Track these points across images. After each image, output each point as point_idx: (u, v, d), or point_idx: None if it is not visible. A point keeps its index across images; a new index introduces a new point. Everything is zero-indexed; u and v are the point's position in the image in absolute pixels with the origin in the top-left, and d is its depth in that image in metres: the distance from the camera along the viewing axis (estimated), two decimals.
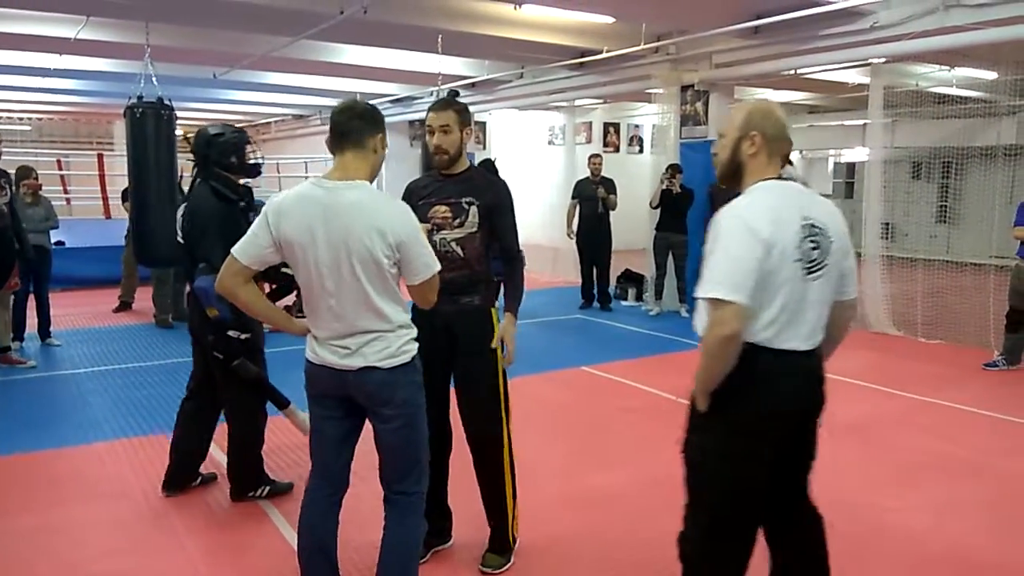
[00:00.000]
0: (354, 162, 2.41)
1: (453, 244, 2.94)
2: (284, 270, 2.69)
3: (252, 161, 3.71)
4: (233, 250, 2.41)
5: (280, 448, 4.32)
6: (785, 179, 2.21)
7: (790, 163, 2.29)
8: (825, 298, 2.17)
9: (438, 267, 2.44)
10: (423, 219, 2.82)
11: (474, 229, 2.95)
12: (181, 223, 3.58)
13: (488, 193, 2.98)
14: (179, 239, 3.62)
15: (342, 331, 2.38)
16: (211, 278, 3.23)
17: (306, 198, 2.36)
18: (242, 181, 3.68)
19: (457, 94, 3.13)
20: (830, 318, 2.23)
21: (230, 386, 3.65)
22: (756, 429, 2.12)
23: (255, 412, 3.72)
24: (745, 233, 2.04)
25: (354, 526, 3.45)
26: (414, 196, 3.02)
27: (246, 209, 3.62)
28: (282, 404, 3.78)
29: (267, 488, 3.73)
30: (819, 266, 2.12)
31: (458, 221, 2.94)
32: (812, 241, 2.11)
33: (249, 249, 2.40)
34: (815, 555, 2.34)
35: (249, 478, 3.72)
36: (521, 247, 3.09)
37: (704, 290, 2.05)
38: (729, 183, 2.29)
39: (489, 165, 7.57)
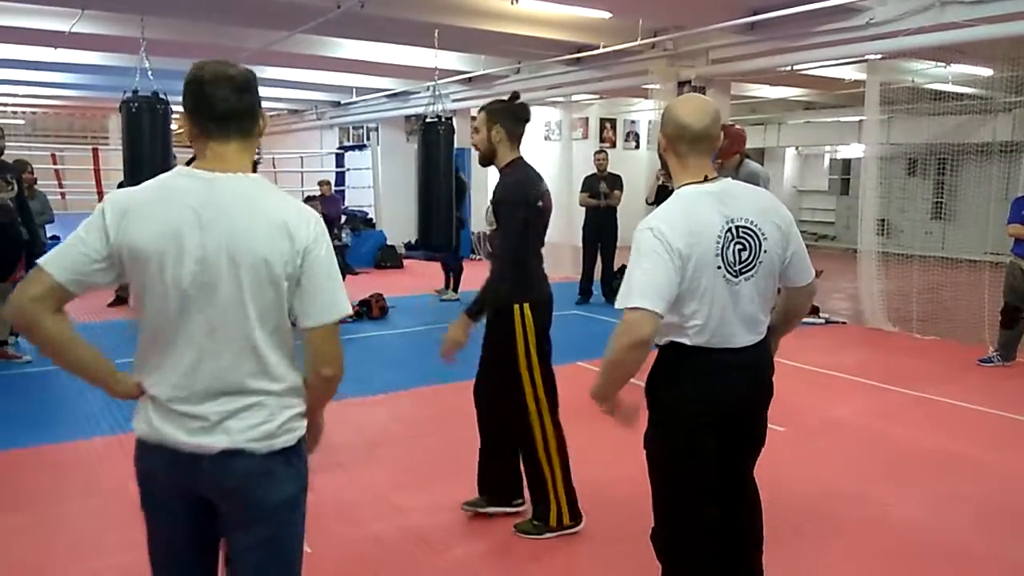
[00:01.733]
0: (238, 153, 1.70)
1: (491, 241, 3.25)
2: None
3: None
4: (41, 261, 1.63)
5: None
6: (711, 179, 2.17)
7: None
8: (762, 293, 2.18)
9: (347, 311, 1.75)
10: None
11: (495, 226, 3.23)
12: None
13: (497, 190, 3.17)
14: None
15: (202, 388, 1.63)
16: None
17: (171, 191, 1.65)
18: None
19: (517, 96, 3.31)
20: (787, 304, 2.35)
21: None
22: (699, 423, 2.19)
23: None
24: (658, 248, 2.05)
25: (343, 520, 3.46)
26: None
27: None
28: None
29: None
30: (749, 267, 2.14)
31: (488, 219, 3.23)
32: (739, 243, 2.12)
33: (69, 260, 1.62)
34: (752, 524, 2.44)
35: None
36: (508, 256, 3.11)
37: (621, 302, 2.07)
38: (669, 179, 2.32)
39: None
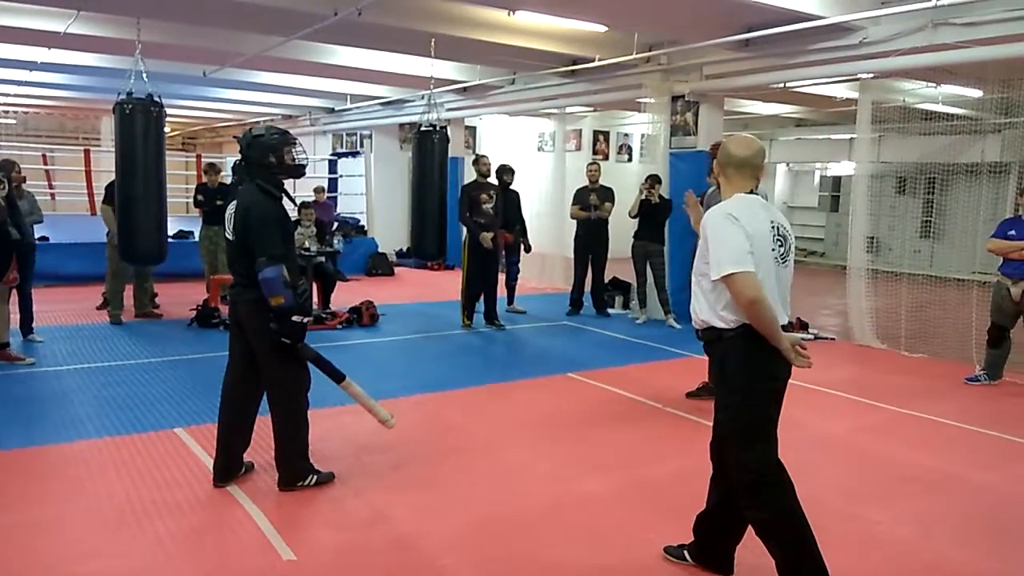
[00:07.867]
0: None
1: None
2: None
3: (294, 162, 3.77)
4: None
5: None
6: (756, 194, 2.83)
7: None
8: (788, 282, 2.82)
9: None
10: None
11: None
12: (233, 221, 3.65)
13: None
14: (228, 236, 3.71)
15: None
16: (277, 268, 3.46)
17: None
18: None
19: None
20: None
21: (276, 373, 3.70)
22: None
23: (300, 398, 3.77)
24: (731, 223, 2.65)
25: (329, 527, 3.44)
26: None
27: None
28: (339, 378, 3.88)
29: (315, 477, 3.80)
30: (784, 258, 2.78)
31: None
32: (778, 239, 2.76)
33: None
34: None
35: (299, 466, 3.78)
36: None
37: (715, 273, 2.62)
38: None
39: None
